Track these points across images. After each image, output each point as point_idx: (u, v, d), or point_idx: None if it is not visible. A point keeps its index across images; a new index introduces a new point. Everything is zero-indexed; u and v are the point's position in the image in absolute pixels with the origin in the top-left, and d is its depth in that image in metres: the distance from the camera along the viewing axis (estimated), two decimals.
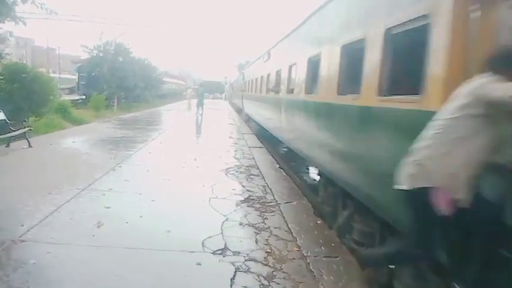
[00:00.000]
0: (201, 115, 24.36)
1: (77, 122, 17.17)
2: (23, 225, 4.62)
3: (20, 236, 4.32)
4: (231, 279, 3.71)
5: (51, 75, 27.15)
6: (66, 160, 8.69)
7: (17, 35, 11.88)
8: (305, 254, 4.43)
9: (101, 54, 26.11)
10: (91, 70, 26.97)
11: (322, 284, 3.76)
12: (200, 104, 25.54)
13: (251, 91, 18.76)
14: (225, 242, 4.58)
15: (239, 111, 30.01)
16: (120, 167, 8.25)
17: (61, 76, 42.99)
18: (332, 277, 3.92)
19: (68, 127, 15.39)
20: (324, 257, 4.41)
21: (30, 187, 6.23)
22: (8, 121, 9.73)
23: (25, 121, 10.60)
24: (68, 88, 38.79)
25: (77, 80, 30.92)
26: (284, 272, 3.95)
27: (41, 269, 3.64)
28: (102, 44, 26.07)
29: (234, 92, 39.85)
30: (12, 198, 5.62)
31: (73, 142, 11.32)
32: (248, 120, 22.47)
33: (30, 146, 9.76)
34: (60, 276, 3.54)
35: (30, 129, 10.38)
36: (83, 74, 28.94)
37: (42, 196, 5.78)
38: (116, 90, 25.68)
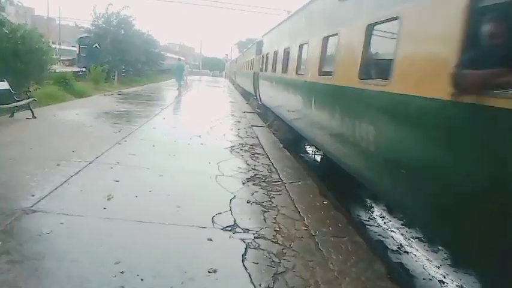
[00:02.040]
0: (177, 89, 24.59)
1: (79, 94, 17.03)
2: (33, 196, 4.65)
3: (31, 206, 4.34)
4: (242, 255, 3.77)
5: (52, 46, 26.72)
6: (71, 132, 8.67)
7: (16, 3, 11.43)
8: (313, 233, 4.49)
9: (104, 25, 25.64)
10: (93, 42, 26.54)
11: (331, 262, 3.82)
12: (179, 80, 25.41)
13: (279, 70, 10.93)
14: (234, 219, 4.63)
15: (246, 96, 23.65)
16: (125, 141, 8.25)
17: (61, 47, 42.40)
18: (341, 256, 3.99)
19: (69, 99, 15.28)
20: (331, 236, 4.48)
21: (38, 158, 6.24)
22: (12, 91, 9.66)
23: (29, 91, 10.51)
24: (69, 60, 38.40)
25: (77, 52, 30.48)
26: (294, 250, 4.01)
27: (56, 240, 3.68)
28: (107, 15, 25.58)
29: (240, 70, 31.57)
30: (20, 169, 5.63)
31: (77, 114, 11.27)
32: (265, 113, 15.18)
33: (34, 116, 9.72)
34: (75, 247, 3.57)
35: (34, 100, 10.30)
36: (84, 46, 28.51)
37: (50, 167, 5.80)
38: (118, 63, 25.38)
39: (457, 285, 4.87)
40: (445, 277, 5.02)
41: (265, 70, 13.71)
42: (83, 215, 4.31)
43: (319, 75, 7.03)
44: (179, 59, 32.69)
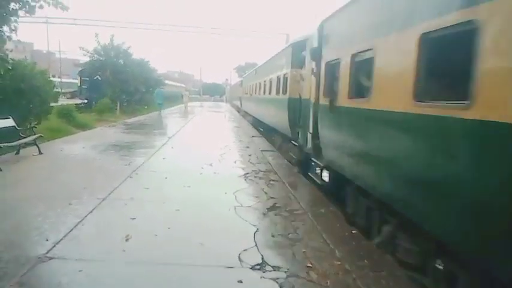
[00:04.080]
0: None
1: (82, 126, 16.89)
2: (47, 240, 4.38)
3: (47, 253, 4.06)
4: None
5: (52, 79, 26.74)
6: (80, 167, 8.43)
7: (14, 39, 11.29)
8: (349, 269, 4.17)
9: (101, 58, 25.81)
10: (93, 74, 26.71)
11: None
12: (160, 105, 29.69)
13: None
14: (262, 256, 4.33)
15: (265, 132, 17.11)
16: (136, 174, 8.00)
17: (62, 80, 42.71)
18: None
19: (73, 132, 15.12)
20: (369, 271, 4.16)
21: (48, 197, 5.98)
22: (17, 127, 9.47)
23: (35, 127, 10.33)
24: (70, 92, 38.64)
25: (79, 84, 30.62)
26: None
27: None
28: (101, 47, 25.75)
29: (250, 94, 23.16)
30: (31, 210, 5.37)
31: (83, 148, 11.07)
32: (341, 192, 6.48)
33: (40, 152, 9.51)
34: None
35: (41, 136, 10.10)
36: (85, 78, 28.68)
37: (62, 207, 5.53)
38: (120, 93, 25.46)
39: None
40: None
41: (355, 95, 5.42)
42: (101, 259, 4.02)
43: None
44: (159, 86, 33.44)
